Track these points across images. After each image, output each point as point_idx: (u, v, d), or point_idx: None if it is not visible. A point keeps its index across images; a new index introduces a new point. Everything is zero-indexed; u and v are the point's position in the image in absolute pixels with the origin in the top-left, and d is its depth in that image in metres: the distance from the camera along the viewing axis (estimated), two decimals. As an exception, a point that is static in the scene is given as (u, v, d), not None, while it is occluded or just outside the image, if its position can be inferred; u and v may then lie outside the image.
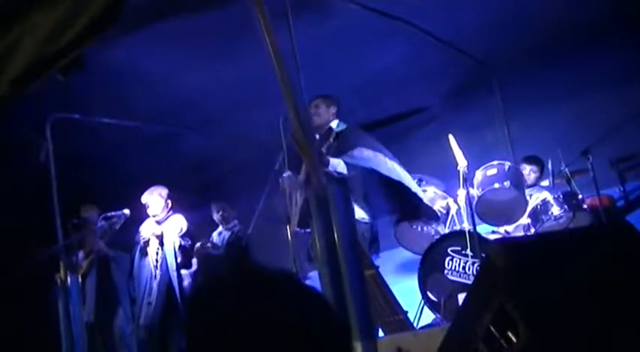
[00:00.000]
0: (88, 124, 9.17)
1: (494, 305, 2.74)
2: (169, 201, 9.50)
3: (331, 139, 7.97)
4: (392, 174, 7.83)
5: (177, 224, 9.42)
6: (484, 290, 2.92)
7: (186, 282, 9.26)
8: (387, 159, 7.85)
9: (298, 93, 5.09)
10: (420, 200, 8.19)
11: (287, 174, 7.68)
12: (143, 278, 9.28)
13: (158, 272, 9.21)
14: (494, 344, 2.73)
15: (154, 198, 9.40)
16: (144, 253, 9.37)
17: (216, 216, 10.13)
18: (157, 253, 9.28)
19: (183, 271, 9.30)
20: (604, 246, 3.00)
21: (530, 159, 9.15)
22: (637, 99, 8.88)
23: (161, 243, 9.27)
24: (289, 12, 6.64)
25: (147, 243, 9.32)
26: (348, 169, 7.56)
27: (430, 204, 8.63)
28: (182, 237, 9.34)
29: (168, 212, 9.50)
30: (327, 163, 7.43)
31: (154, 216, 9.44)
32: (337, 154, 7.69)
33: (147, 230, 9.41)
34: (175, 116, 10.00)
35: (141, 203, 9.46)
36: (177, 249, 9.27)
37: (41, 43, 5.78)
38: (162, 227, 9.38)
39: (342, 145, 7.86)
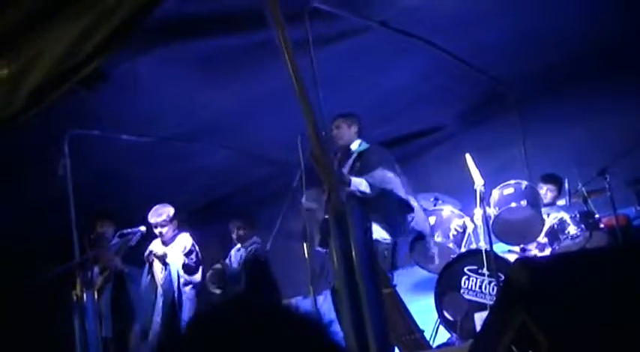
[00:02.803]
0: (106, 140, 9.19)
1: (516, 324, 2.74)
2: (176, 221, 9.52)
3: (352, 159, 7.99)
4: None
5: (182, 243, 9.45)
6: (505, 309, 2.92)
7: (188, 303, 9.30)
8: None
9: (317, 111, 5.11)
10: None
11: (304, 202, 7.70)
12: (149, 295, 9.32)
13: (161, 290, 9.26)
14: (516, 364, 2.73)
15: (162, 219, 9.41)
16: (149, 271, 9.41)
17: (234, 234, 10.15)
18: (162, 271, 9.32)
19: (186, 288, 9.32)
20: (624, 265, 3.00)
21: (547, 178, 9.14)
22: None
23: (164, 263, 9.30)
24: (309, 30, 6.69)
25: (152, 262, 9.35)
26: (370, 189, 7.58)
27: (447, 223, 8.64)
28: (186, 255, 9.36)
29: (174, 231, 9.53)
30: (349, 183, 7.44)
31: (161, 236, 9.45)
32: (359, 174, 7.71)
33: (153, 249, 9.44)
34: (193, 134, 10.02)
35: (155, 220, 9.50)
36: (180, 267, 9.30)
37: (59, 59, 5.82)
38: (168, 246, 9.42)
39: (363, 165, 7.87)
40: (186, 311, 9.26)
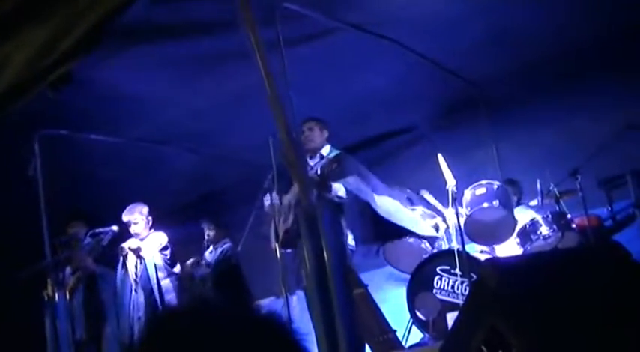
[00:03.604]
0: (77, 141, 9.16)
1: (486, 324, 2.75)
2: (150, 218, 9.52)
3: (323, 164, 7.99)
4: (380, 211, 7.86)
5: (157, 239, 9.45)
6: (475, 309, 2.93)
7: (169, 296, 9.27)
8: (374, 195, 7.88)
9: (288, 113, 5.11)
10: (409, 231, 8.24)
11: (268, 201, 7.70)
12: (126, 292, 9.29)
13: (139, 286, 9.23)
14: (485, 364, 2.74)
15: (135, 217, 9.40)
16: (124, 267, 9.38)
17: (206, 236, 10.16)
18: (137, 267, 9.30)
19: (163, 283, 9.31)
20: (593, 266, 3.02)
21: (507, 183, 9.14)
22: (624, 120, 8.88)
23: (139, 257, 9.29)
24: (279, 31, 6.68)
25: (125, 256, 9.33)
26: (346, 195, 7.60)
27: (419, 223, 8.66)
28: (161, 251, 9.36)
29: (149, 229, 9.52)
30: (330, 189, 7.45)
31: (135, 235, 9.43)
32: (330, 180, 7.70)
33: (126, 244, 9.42)
34: (165, 135, 10.00)
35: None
36: (157, 261, 9.29)
37: (30, 59, 5.79)
38: (143, 242, 9.40)
39: (336, 171, 7.87)
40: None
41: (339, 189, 7.58)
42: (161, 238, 9.49)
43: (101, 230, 9.29)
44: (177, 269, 9.59)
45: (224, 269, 9.95)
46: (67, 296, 9.08)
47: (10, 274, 8.73)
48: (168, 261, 9.42)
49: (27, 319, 9.19)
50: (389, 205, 7.98)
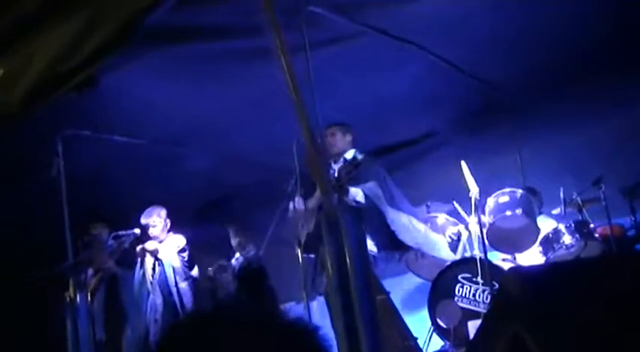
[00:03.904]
0: (100, 142, 9.18)
1: (508, 334, 2.72)
2: (168, 221, 9.56)
3: (346, 168, 7.98)
4: (393, 225, 7.82)
5: (176, 242, 9.48)
6: (498, 318, 2.91)
7: (186, 299, 9.29)
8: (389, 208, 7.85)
9: (312, 117, 5.09)
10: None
11: (293, 205, 7.68)
12: (144, 294, 9.32)
13: (156, 288, 9.25)
14: (508, 373, 2.71)
15: (153, 219, 9.45)
16: (142, 269, 9.41)
17: (233, 242, 10.17)
18: (154, 269, 9.33)
19: (181, 285, 9.32)
20: (617, 275, 2.98)
21: (527, 191, 9.08)
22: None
23: (156, 259, 9.31)
24: (305, 34, 6.67)
25: (143, 258, 9.36)
26: (364, 199, 7.57)
27: (441, 231, 8.62)
28: (179, 253, 9.38)
29: (167, 232, 9.55)
30: (347, 192, 7.43)
31: (154, 237, 9.45)
32: (352, 184, 7.69)
33: (145, 245, 9.45)
34: (186, 138, 10.01)
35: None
36: (174, 265, 9.30)
37: (53, 61, 5.81)
38: (161, 244, 9.43)
39: (358, 175, 7.86)
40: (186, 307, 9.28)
41: (356, 193, 7.56)
42: (179, 240, 9.53)
43: (123, 233, 9.33)
44: (194, 272, 9.61)
45: (247, 274, 9.96)
46: (89, 298, 9.10)
47: (31, 275, 8.76)
48: (186, 264, 9.46)
49: (48, 320, 9.23)
50: (402, 221, 7.94)
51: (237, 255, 10.19)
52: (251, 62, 7.86)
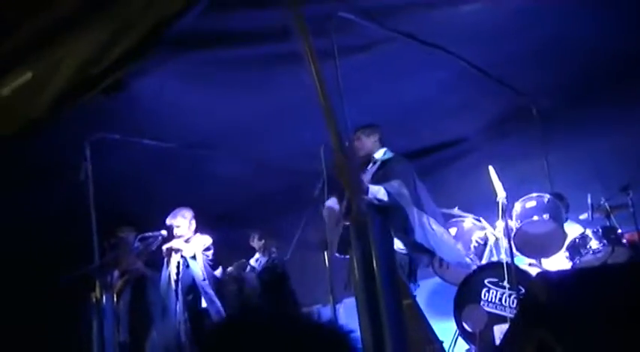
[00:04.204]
0: (127, 145, 9.23)
1: (536, 338, 2.73)
2: (193, 222, 9.61)
3: (374, 167, 8.00)
4: (411, 224, 7.81)
5: (201, 241, 9.56)
6: (525, 323, 2.92)
7: (208, 298, 9.33)
8: (417, 213, 7.84)
9: (341, 122, 5.11)
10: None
11: (328, 204, 7.70)
12: (172, 295, 9.37)
13: (179, 287, 9.31)
14: (535, 378, 2.72)
15: (178, 221, 9.52)
16: (168, 266, 9.47)
17: (256, 244, 10.20)
18: (178, 267, 9.38)
19: (204, 283, 9.36)
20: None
21: (554, 196, 9.05)
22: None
23: (181, 257, 9.37)
24: (334, 40, 6.68)
25: (169, 257, 9.41)
26: (387, 197, 7.56)
27: (468, 235, 8.62)
28: (204, 251, 9.45)
29: (193, 233, 9.60)
30: (367, 190, 7.42)
31: (179, 238, 9.50)
32: (379, 182, 7.70)
33: (169, 244, 9.51)
34: (214, 142, 10.05)
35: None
36: (199, 263, 9.38)
37: (82, 65, 5.85)
38: (186, 244, 9.48)
39: (385, 173, 7.88)
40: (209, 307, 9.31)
41: (377, 191, 7.55)
42: (205, 240, 9.62)
43: (150, 234, 9.40)
44: (218, 272, 9.66)
45: (271, 277, 9.99)
46: (114, 299, 9.16)
47: (59, 276, 8.82)
48: (211, 263, 9.52)
49: (74, 321, 9.30)
50: (422, 221, 7.93)
51: (257, 255, 10.21)
52: (280, 68, 7.89)
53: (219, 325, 1.63)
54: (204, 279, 9.36)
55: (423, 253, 7.97)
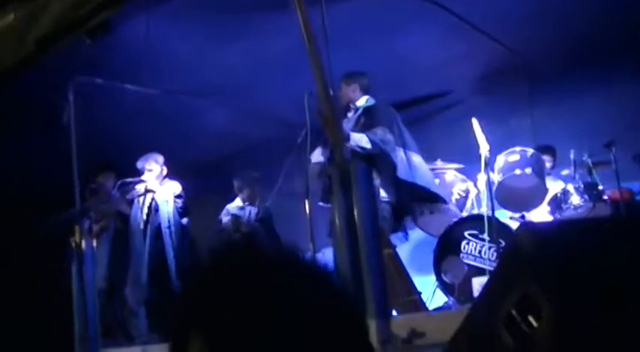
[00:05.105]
0: (112, 90, 9.17)
1: (519, 288, 2.72)
2: (165, 168, 9.56)
3: (356, 114, 7.97)
4: (401, 166, 7.80)
5: (172, 188, 9.56)
6: (508, 273, 2.90)
7: (172, 243, 9.34)
8: (400, 152, 7.82)
9: (327, 69, 5.07)
10: (431, 191, 8.16)
11: (313, 159, 7.66)
12: (140, 237, 9.38)
13: (148, 229, 9.31)
14: (516, 329, 2.70)
15: (151, 165, 9.48)
16: (140, 209, 9.47)
17: (244, 192, 10.16)
18: (150, 209, 9.38)
19: (173, 230, 9.36)
20: (631, 235, 2.97)
21: (543, 149, 9.07)
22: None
23: (153, 199, 9.40)
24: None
25: (143, 197, 9.41)
26: (371, 145, 7.54)
27: (449, 187, 8.62)
28: (175, 198, 9.43)
29: (163, 178, 9.56)
30: (348, 137, 7.39)
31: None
32: (363, 130, 7.68)
33: (141, 186, 9.53)
34: (199, 89, 9.99)
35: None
36: (169, 210, 9.39)
37: (70, 5, 5.80)
38: (158, 188, 9.52)
39: (368, 121, 7.85)
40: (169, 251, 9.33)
41: (360, 139, 7.53)
42: (175, 187, 9.60)
43: (131, 180, 9.38)
44: (185, 220, 9.62)
45: (269, 224, 10.01)
46: (94, 244, 9.15)
47: (39, 220, 8.79)
48: (180, 210, 9.49)
49: (54, 266, 9.28)
50: (414, 161, 7.94)
51: (239, 203, 10.19)
52: (267, 15, 7.83)
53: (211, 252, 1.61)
54: (168, 227, 9.34)
55: (405, 197, 7.98)
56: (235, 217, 9.97)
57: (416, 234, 9.15)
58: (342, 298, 1.58)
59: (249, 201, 10.12)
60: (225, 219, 10.05)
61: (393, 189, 7.80)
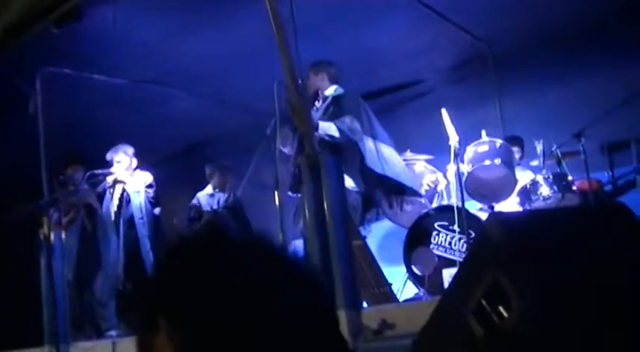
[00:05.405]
0: (79, 80, 9.10)
1: (488, 278, 2.71)
2: (135, 159, 9.52)
3: (325, 103, 7.95)
4: (369, 155, 7.79)
5: (143, 178, 9.55)
6: (478, 263, 2.89)
7: (146, 234, 9.33)
8: (369, 141, 7.82)
9: (295, 59, 5.05)
10: (402, 184, 8.16)
11: (283, 149, 7.64)
12: (112, 229, 9.34)
13: (120, 220, 9.28)
14: (485, 319, 2.69)
15: (120, 156, 9.44)
16: (111, 201, 9.43)
17: (215, 178, 10.15)
18: (120, 200, 9.34)
19: (144, 220, 9.35)
20: (600, 225, 2.97)
21: (511, 140, 9.08)
22: (632, 86, 8.83)
23: (124, 191, 9.37)
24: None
25: (113, 189, 9.37)
26: (339, 133, 7.53)
27: (419, 178, 8.62)
28: (146, 188, 9.44)
29: (134, 170, 9.52)
30: (317, 127, 7.37)
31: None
32: (331, 119, 7.67)
33: (110, 178, 9.49)
34: (168, 79, 9.94)
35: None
36: (140, 200, 9.40)
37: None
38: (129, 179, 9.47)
39: (336, 110, 7.83)
40: (145, 242, 9.29)
41: (328, 127, 7.52)
42: (146, 177, 9.59)
43: (100, 172, 9.32)
44: (157, 210, 9.60)
45: (238, 212, 10.01)
46: (63, 236, 9.09)
47: (7, 212, 8.72)
48: (152, 200, 9.45)
49: (23, 258, 9.21)
50: (384, 153, 7.93)
51: (210, 190, 10.19)
52: (237, 3, 7.80)
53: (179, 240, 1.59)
54: (141, 217, 9.31)
55: (374, 188, 7.98)
56: (197, 207, 9.99)
57: (385, 224, 9.16)
58: (312, 283, 1.57)
59: (220, 188, 10.14)
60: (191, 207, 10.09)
61: (360, 178, 7.78)
